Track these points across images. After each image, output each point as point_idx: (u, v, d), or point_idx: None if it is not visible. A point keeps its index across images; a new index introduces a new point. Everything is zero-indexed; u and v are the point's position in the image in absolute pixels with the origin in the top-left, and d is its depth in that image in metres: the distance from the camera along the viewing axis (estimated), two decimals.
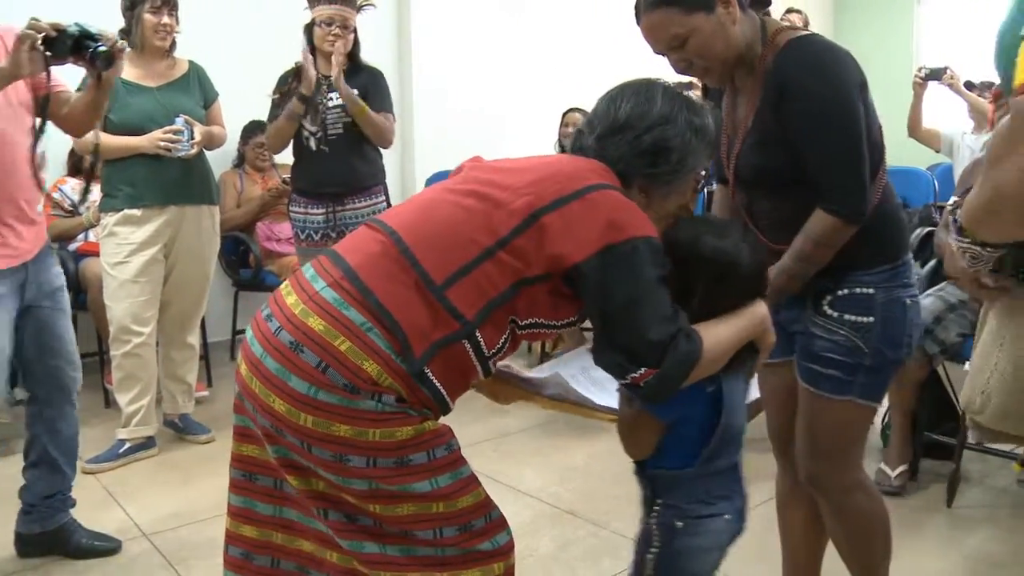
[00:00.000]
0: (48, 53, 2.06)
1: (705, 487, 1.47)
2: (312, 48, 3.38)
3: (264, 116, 4.18)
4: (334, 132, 3.36)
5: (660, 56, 1.67)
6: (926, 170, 7.28)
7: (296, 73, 3.41)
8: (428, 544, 1.35)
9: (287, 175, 4.38)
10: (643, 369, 1.30)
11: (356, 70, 3.43)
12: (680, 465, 1.47)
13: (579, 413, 1.62)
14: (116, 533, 2.59)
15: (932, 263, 3.24)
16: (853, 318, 1.67)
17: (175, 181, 3.24)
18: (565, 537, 2.65)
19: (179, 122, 3.18)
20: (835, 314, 1.69)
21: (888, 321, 1.68)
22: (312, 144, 3.39)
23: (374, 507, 1.33)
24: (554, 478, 3.10)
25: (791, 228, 1.65)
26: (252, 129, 4.56)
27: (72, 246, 4.01)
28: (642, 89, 1.48)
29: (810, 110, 1.58)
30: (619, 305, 1.31)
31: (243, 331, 4.67)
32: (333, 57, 3.26)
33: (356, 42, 3.45)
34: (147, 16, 3.18)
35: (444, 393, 1.34)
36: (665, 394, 1.33)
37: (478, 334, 1.33)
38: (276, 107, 3.44)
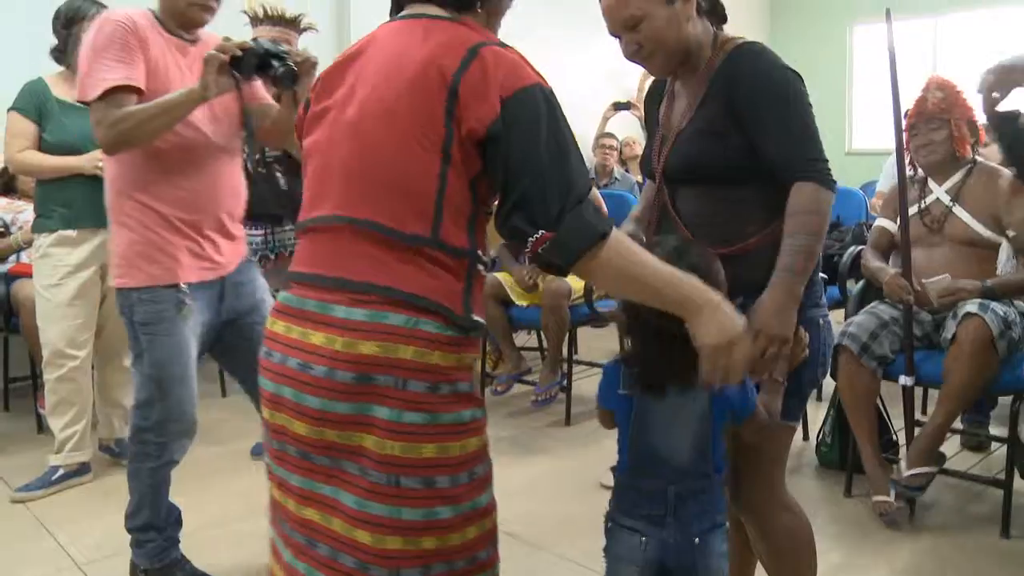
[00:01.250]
0: (235, 73, 2.11)
1: (632, 500, 1.56)
2: None
3: None
4: (272, 155, 3.36)
5: (614, 37, 1.71)
6: (859, 189, 7.47)
7: None
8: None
9: None
10: (540, 232, 1.27)
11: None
12: (619, 468, 1.61)
13: None
14: (47, 564, 2.54)
15: (861, 283, 3.33)
16: None
17: None
18: (503, 557, 2.66)
19: None
20: None
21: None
22: (250, 167, 3.37)
23: (466, 532, 1.34)
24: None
25: (716, 229, 1.70)
26: None
27: (2, 267, 3.90)
28: None
29: (771, 92, 1.65)
30: (519, 157, 1.27)
31: None
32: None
33: None
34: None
35: (480, 319, 1.38)
36: (559, 260, 1.29)
37: (478, 251, 1.36)
38: None
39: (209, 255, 2.28)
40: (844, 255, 4.17)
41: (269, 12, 3.32)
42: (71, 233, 3.15)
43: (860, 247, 4.17)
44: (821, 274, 1.78)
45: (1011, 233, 2.83)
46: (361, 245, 1.32)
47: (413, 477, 1.29)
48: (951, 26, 7.84)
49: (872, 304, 3.03)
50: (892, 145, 2.90)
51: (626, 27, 1.67)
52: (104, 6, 3.15)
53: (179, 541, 2.41)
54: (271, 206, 3.38)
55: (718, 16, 1.78)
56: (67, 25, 3.16)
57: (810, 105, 1.68)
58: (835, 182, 1.67)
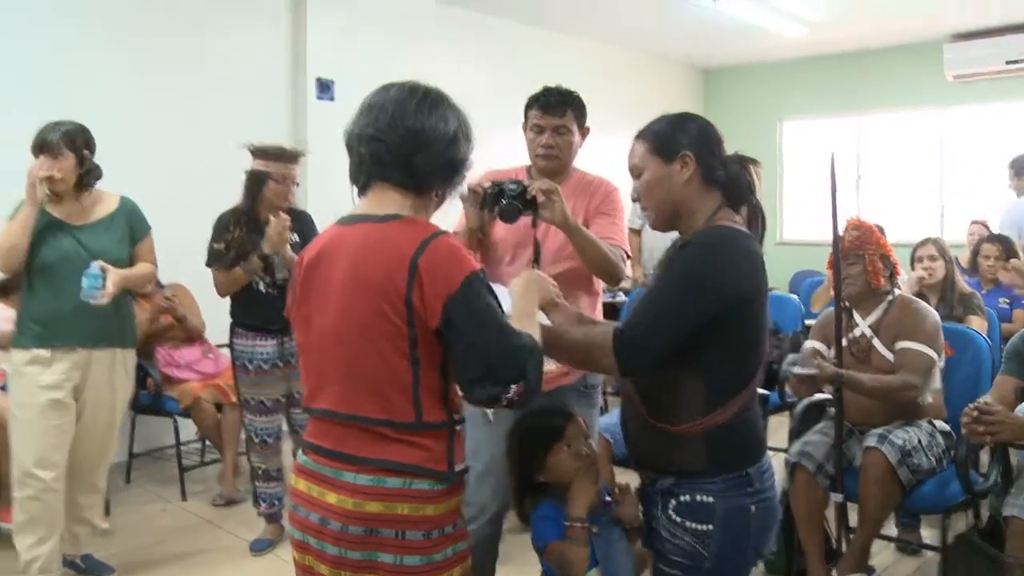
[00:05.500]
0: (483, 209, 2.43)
1: None
2: (254, 195, 3.65)
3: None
4: (281, 276, 3.64)
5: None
6: (791, 283, 7.80)
7: (235, 220, 3.65)
8: None
9: (170, 294, 4.58)
10: (512, 387, 1.52)
11: (289, 214, 3.69)
12: None
13: None
14: None
15: (804, 403, 3.50)
16: (693, 525, 1.73)
17: (88, 323, 3.19)
18: None
19: (94, 267, 3.12)
20: (678, 519, 1.75)
21: (728, 530, 1.73)
22: (262, 287, 3.68)
23: None
24: None
25: (665, 399, 1.75)
26: None
27: None
28: (433, 102, 1.65)
29: (675, 270, 1.75)
30: (471, 341, 1.52)
31: (138, 455, 4.59)
32: (275, 230, 3.52)
33: None
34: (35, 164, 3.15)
35: (463, 465, 1.67)
36: (533, 397, 1.55)
37: (454, 416, 1.64)
38: (220, 254, 3.64)
39: None
40: (783, 363, 4.40)
41: (270, 151, 3.63)
42: (44, 353, 3.15)
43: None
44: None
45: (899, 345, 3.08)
46: (356, 431, 1.61)
47: None
48: (872, 124, 8.41)
49: (822, 425, 3.22)
50: (819, 237, 3.05)
51: (632, 174, 1.86)
52: (81, 126, 3.20)
53: None
54: (281, 322, 3.58)
55: (733, 190, 1.84)
56: (36, 154, 3.15)
57: (701, 297, 1.68)
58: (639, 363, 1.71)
